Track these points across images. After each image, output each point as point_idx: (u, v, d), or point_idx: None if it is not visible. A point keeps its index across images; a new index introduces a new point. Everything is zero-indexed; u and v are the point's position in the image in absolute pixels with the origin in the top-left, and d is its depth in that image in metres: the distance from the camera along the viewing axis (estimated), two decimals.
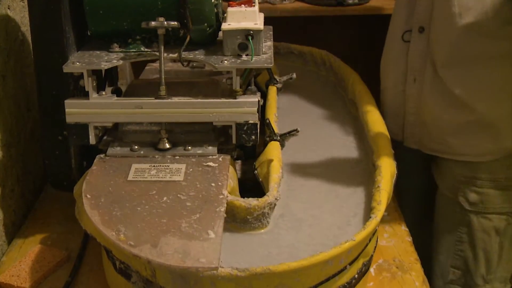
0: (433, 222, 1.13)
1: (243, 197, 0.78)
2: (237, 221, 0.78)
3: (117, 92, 0.97)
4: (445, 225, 1.09)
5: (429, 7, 1.00)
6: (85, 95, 0.86)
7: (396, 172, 0.87)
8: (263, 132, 0.93)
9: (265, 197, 0.78)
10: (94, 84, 0.86)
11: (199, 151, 0.87)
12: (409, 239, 0.95)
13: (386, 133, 0.96)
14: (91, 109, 0.85)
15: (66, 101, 0.85)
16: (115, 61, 0.86)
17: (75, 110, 0.85)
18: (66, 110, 0.85)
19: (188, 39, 0.88)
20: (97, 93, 0.87)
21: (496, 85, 0.98)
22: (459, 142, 1.02)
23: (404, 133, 1.10)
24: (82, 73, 0.84)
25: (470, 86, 0.98)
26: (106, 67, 0.85)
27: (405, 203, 1.08)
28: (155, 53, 0.88)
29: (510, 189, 1.03)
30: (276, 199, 0.78)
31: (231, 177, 0.82)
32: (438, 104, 1.02)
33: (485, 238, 1.05)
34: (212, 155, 0.86)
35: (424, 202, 1.18)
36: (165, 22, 0.83)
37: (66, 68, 0.83)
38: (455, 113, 1.00)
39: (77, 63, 0.84)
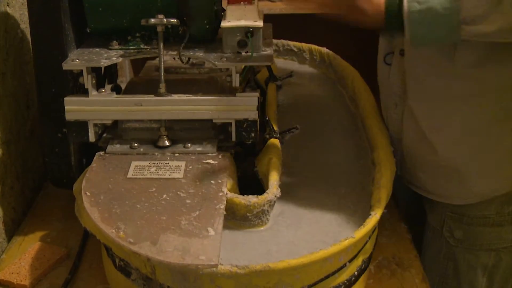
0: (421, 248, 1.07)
1: (243, 195, 0.78)
2: (236, 218, 0.78)
3: (117, 90, 0.97)
4: (431, 256, 1.03)
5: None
6: (85, 92, 0.86)
7: (395, 169, 0.87)
8: (262, 129, 0.93)
9: (265, 195, 0.78)
10: (94, 81, 0.86)
11: (199, 149, 0.87)
12: (409, 236, 0.95)
13: (386, 130, 0.96)
14: (91, 107, 0.85)
15: (66, 99, 0.85)
16: (115, 58, 0.86)
17: (74, 108, 0.85)
18: (66, 107, 0.85)
19: (187, 36, 0.88)
20: (97, 90, 0.87)
21: (457, 126, 0.91)
22: (430, 181, 0.97)
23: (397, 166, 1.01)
24: (81, 71, 0.84)
25: (434, 125, 0.92)
26: (105, 65, 0.85)
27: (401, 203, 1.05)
28: (155, 50, 0.88)
29: (503, 225, 0.96)
30: (275, 196, 0.78)
31: (230, 175, 0.82)
32: (411, 136, 0.96)
33: (471, 274, 1.00)
34: (212, 153, 0.86)
35: (414, 210, 1.14)
36: (165, 20, 0.83)
37: (66, 66, 0.83)
38: (424, 149, 0.95)
39: (77, 60, 0.84)
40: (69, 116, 0.85)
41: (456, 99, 0.90)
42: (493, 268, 0.99)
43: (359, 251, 0.76)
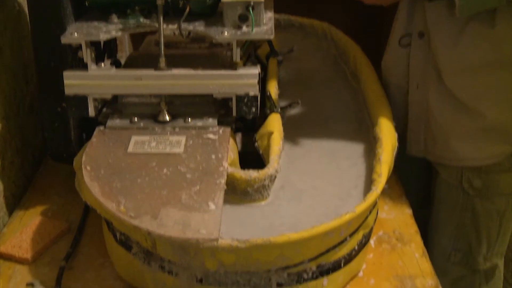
0: (431, 206, 1.13)
1: (244, 170, 0.78)
2: (237, 193, 0.78)
3: (116, 64, 0.97)
4: (446, 210, 1.08)
5: (428, 12, 0.97)
6: (84, 66, 0.85)
7: (397, 144, 0.87)
8: (263, 104, 0.92)
9: (266, 169, 0.77)
10: (93, 55, 0.85)
11: (199, 123, 0.86)
12: (409, 211, 0.95)
13: (387, 105, 0.95)
14: (90, 81, 0.85)
15: (65, 73, 0.84)
16: (114, 32, 0.85)
17: (73, 82, 0.85)
18: (65, 81, 0.84)
19: (187, 10, 0.86)
20: (96, 64, 0.86)
21: (504, 90, 0.96)
22: (468, 148, 1.00)
23: (407, 141, 1.07)
24: (80, 45, 0.83)
25: (477, 93, 0.96)
26: (104, 38, 0.84)
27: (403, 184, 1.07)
28: (154, 24, 0.87)
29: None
30: (276, 171, 0.78)
31: (231, 149, 0.82)
32: (445, 110, 0.99)
33: (488, 220, 1.06)
34: (212, 127, 0.86)
35: (420, 185, 1.17)
36: None
37: (64, 39, 0.82)
38: (462, 119, 0.98)
39: (75, 34, 0.83)
40: (68, 91, 0.85)
41: (496, 65, 0.93)
42: (503, 213, 1.05)
43: (359, 226, 0.76)
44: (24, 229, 0.89)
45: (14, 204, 0.98)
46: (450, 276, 1.09)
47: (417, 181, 1.17)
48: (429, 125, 1.03)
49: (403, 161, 0.96)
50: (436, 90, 0.99)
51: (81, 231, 0.90)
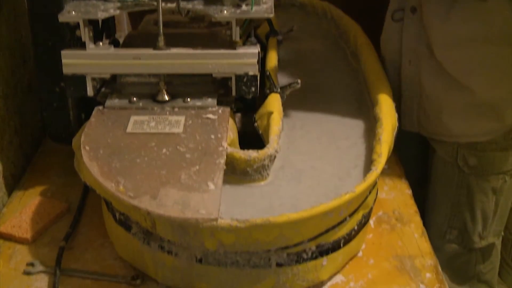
0: (428, 184, 1.13)
1: (243, 150, 0.78)
2: (237, 173, 0.78)
3: (115, 44, 0.96)
4: (442, 188, 1.09)
5: None
6: (82, 46, 0.84)
7: (397, 124, 0.86)
8: (263, 85, 0.92)
9: (265, 149, 0.77)
10: (91, 34, 0.84)
11: (199, 103, 0.86)
12: (409, 191, 0.95)
13: (388, 85, 0.95)
14: (88, 60, 0.84)
15: (63, 52, 0.83)
16: (112, 10, 0.84)
17: (72, 61, 0.84)
18: (63, 61, 0.83)
19: None
20: (94, 44, 0.85)
21: (494, 66, 0.96)
22: (460, 124, 1.01)
23: (401, 117, 1.06)
24: (78, 23, 0.82)
25: (468, 68, 0.96)
26: (102, 17, 0.83)
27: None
28: (153, 2, 0.86)
29: (508, 149, 1.03)
30: (276, 151, 0.78)
31: (230, 129, 0.82)
32: (436, 86, 1.00)
33: (483, 198, 1.06)
34: (212, 107, 0.85)
35: (418, 164, 1.17)
36: None
37: (62, 17, 0.81)
38: (454, 95, 0.98)
39: (73, 12, 0.82)
40: (66, 70, 0.84)
41: (487, 39, 0.93)
42: (499, 191, 1.06)
43: (359, 206, 0.76)
44: (23, 210, 0.89)
45: (14, 184, 0.98)
46: (446, 254, 1.10)
47: (414, 160, 1.17)
48: (421, 101, 1.03)
49: (401, 139, 0.96)
50: (427, 65, 0.99)
51: (80, 212, 0.90)
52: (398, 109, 1.04)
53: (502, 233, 1.15)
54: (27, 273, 0.79)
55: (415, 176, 1.06)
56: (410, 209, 0.91)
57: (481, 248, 1.11)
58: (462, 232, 1.09)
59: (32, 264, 0.79)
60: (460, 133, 1.02)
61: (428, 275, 0.78)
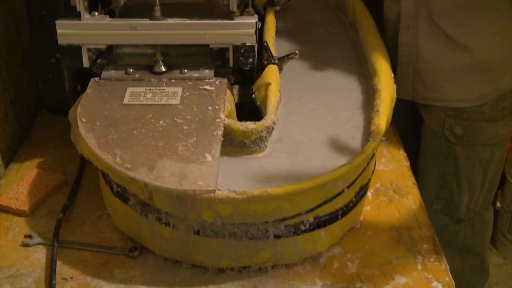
0: (418, 154, 1.13)
1: (241, 121, 0.77)
2: (234, 145, 0.77)
3: (111, 14, 0.94)
4: (430, 157, 1.10)
5: None
6: (77, 16, 0.83)
7: (396, 96, 0.86)
8: (261, 56, 0.91)
9: (263, 121, 0.77)
10: (86, 4, 0.83)
11: (196, 75, 0.85)
12: (407, 163, 0.95)
13: (386, 56, 0.94)
14: (84, 30, 0.83)
15: (57, 22, 0.82)
16: None
17: (67, 31, 0.83)
18: (58, 31, 0.82)
19: None
20: (89, 14, 0.84)
21: (495, 28, 0.96)
22: (455, 88, 1.01)
23: (396, 84, 1.07)
24: None
25: (469, 30, 0.96)
26: None
27: None
28: None
29: (497, 120, 1.03)
30: (274, 122, 0.78)
31: (228, 101, 0.81)
32: (434, 50, 0.99)
33: (469, 169, 1.07)
34: (209, 79, 0.84)
35: (412, 136, 1.17)
36: None
37: None
38: (452, 57, 0.98)
39: None
40: (61, 41, 0.83)
41: (490, 10, 0.94)
42: (487, 163, 1.07)
43: (357, 177, 0.76)
44: (20, 182, 0.89)
45: (10, 156, 0.98)
46: (433, 224, 1.10)
47: (408, 132, 1.17)
48: (417, 66, 1.03)
49: (395, 111, 0.96)
50: (426, 30, 0.99)
51: (77, 184, 0.90)
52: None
53: (499, 205, 1.16)
54: (25, 245, 0.79)
55: (409, 148, 1.07)
56: (408, 181, 0.91)
57: (469, 219, 1.12)
58: (449, 203, 1.10)
59: (30, 236, 0.79)
60: (454, 97, 1.02)
61: (425, 246, 0.79)
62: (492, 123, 1.03)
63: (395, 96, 0.86)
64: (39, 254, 0.77)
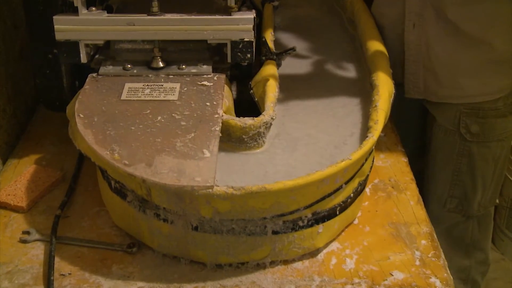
0: (427, 154, 1.13)
1: (239, 117, 0.77)
2: (232, 140, 0.77)
3: (108, 9, 0.94)
4: (443, 157, 1.09)
5: None
6: (75, 11, 0.83)
7: (394, 91, 0.85)
8: (259, 51, 0.90)
9: (261, 116, 0.77)
10: None
11: (194, 70, 0.85)
12: (405, 159, 0.95)
13: (385, 52, 0.94)
14: (81, 26, 0.83)
15: (55, 17, 0.82)
16: None
17: (64, 27, 0.82)
18: (55, 26, 0.82)
19: None
20: (87, 9, 0.84)
21: (511, 18, 0.94)
22: (474, 83, 0.99)
23: (404, 84, 1.06)
24: None
25: (484, 23, 0.94)
26: None
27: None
28: None
29: (506, 115, 1.03)
30: (272, 118, 0.77)
31: (226, 96, 0.81)
32: (448, 47, 0.98)
33: (484, 166, 1.06)
34: (207, 74, 0.84)
35: (416, 135, 1.17)
36: None
37: None
38: (469, 53, 0.97)
39: None
40: (59, 36, 0.83)
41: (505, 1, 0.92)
42: (498, 158, 1.07)
43: (355, 173, 0.76)
44: (18, 178, 0.89)
45: (8, 152, 0.98)
46: (445, 223, 1.11)
47: (413, 131, 1.16)
48: (429, 64, 1.01)
49: (399, 111, 0.95)
50: (435, 27, 0.98)
51: (75, 180, 0.90)
52: (402, 77, 1.03)
53: (497, 201, 1.16)
54: (23, 241, 0.79)
55: (414, 147, 1.06)
56: (406, 177, 0.91)
57: (478, 216, 1.12)
58: (462, 201, 1.10)
59: (28, 232, 0.79)
60: (474, 92, 1.00)
61: (423, 242, 0.79)
62: (504, 118, 1.03)
63: (393, 91, 0.86)
64: (37, 250, 0.77)
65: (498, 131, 1.04)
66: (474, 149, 1.05)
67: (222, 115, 0.76)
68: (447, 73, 1.00)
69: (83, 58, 0.85)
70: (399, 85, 0.96)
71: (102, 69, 0.85)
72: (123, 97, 0.80)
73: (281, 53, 0.89)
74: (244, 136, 0.76)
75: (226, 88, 0.83)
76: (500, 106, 1.01)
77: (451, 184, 1.09)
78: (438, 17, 0.97)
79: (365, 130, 0.78)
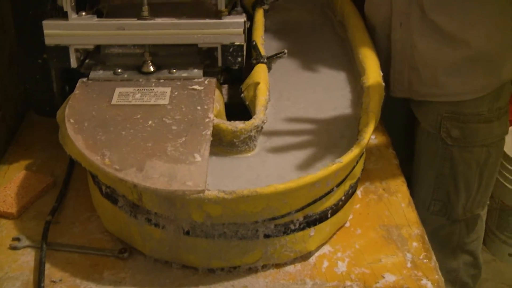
0: (412, 156, 1.13)
1: (230, 121, 0.77)
2: (223, 144, 0.77)
3: (98, 14, 0.94)
4: (426, 160, 1.09)
5: None
6: (64, 15, 0.82)
7: (384, 94, 0.86)
8: (249, 55, 0.90)
9: (252, 120, 0.77)
10: (73, 4, 0.82)
11: (184, 74, 0.85)
12: (396, 162, 0.95)
13: (375, 55, 0.94)
14: (71, 31, 0.82)
15: (44, 22, 0.81)
16: None
17: (54, 32, 0.82)
18: (45, 31, 0.82)
19: None
20: (77, 13, 0.83)
21: (490, 18, 0.95)
22: (455, 81, 0.99)
23: (390, 82, 1.05)
24: None
25: (464, 22, 0.95)
26: None
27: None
28: None
29: (493, 121, 1.02)
30: (263, 122, 0.77)
31: (217, 100, 0.81)
32: (430, 46, 0.98)
33: (466, 170, 1.06)
34: (198, 78, 0.84)
35: (402, 136, 1.17)
36: None
37: None
38: (449, 51, 0.97)
39: None
40: (48, 41, 0.82)
41: (484, 1, 0.93)
42: (484, 163, 1.06)
43: (346, 176, 0.76)
44: (8, 184, 0.88)
45: None
46: (430, 225, 1.09)
47: (402, 134, 1.16)
48: (413, 62, 1.01)
49: (388, 114, 0.95)
50: (420, 25, 0.98)
51: (66, 185, 0.89)
52: (388, 76, 1.04)
53: (488, 202, 1.16)
54: (13, 248, 0.78)
55: (404, 151, 1.06)
56: (397, 179, 0.91)
57: (465, 219, 1.11)
58: (446, 204, 1.09)
59: (18, 239, 0.79)
60: (454, 91, 1.00)
61: (414, 244, 0.79)
62: (488, 123, 1.02)
63: (384, 94, 0.86)
64: (28, 257, 0.77)
65: (481, 136, 1.03)
66: (455, 153, 1.04)
67: (213, 119, 0.76)
68: (429, 71, 1.00)
69: (73, 63, 0.84)
70: (388, 86, 0.97)
71: (93, 74, 0.85)
72: (114, 101, 0.80)
73: (271, 57, 0.89)
74: (235, 140, 0.76)
75: (217, 92, 0.83)
76: (483, 111, 1.01)
77: (434, 187, 1.08)
78: (422, 16, 0.97)
79: (355, 133, 0.79)
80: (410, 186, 1.08)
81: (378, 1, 1.05)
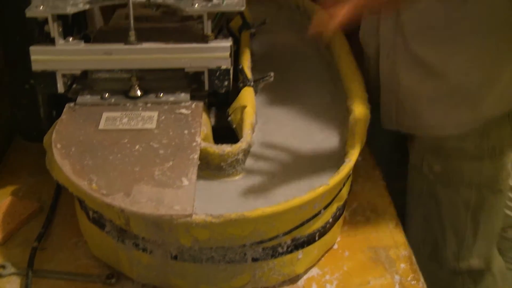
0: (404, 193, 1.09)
1: (217, 144, 0.77)
2: (211, 168, 0.77)
3: (86, 39, 0.94)
4: (414, 196, 1.04)
5: None
6: (51, 41, 0.83)
7: (370, 116, 0.86)
8: (236, 79, 0.91)
9: (239, 143, 0.77)
10: (60, 30, 0.83)
11: (172, 98, 0.85)
12: (383, 182, 0.96)
13: (360, 77, 0.95)
14: (58, 56, 0.83)
15: (31, 48, 0.82)
16: (81, 5, 0.83)
17: (41, 57, 0.82)
18: (32, 57, 0.82)
19: None
20: (64, 39, 0.84)
21: (469, 50, 0.92)
22: (437, 115, 0.96)
23: (380, 113, 1.03)
24: (47, 18, 0.81)
25: (443, 55, 0.93)
26: (71, 12, 0.82)
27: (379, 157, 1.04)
28: None
29: (482, 159, 0.97)
30: (249, 145, 0.78)
31: (204, 124, 0.81)
32: (412, 77, 0.96)
33: (453, 212, 1.00)
34: (185, 102, 0.84)
35: (393, 156, 1.16)
36: None
37: (29, 13, 0.80)
38: (429, 84, 0.95)
39: (41, 7, 0.80)
40: (35, 66, 0.82)
41: (464, 33, 0.91)
42: (476, 207, 0.99)
43: (333, 198, 0.76)
44: None
45: None
46: (424, 270, 1.04)
47: (389, 154, 1.16)
48: (399, 94, 0.99)
49: (376, 136, 0.95)
50: (403, 57, 0.96)
51: (53, 211, 0.89)
52: (378, 106, 1.03)
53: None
54: None
55: (389, 171, 1.04)
56: (385, 200, 0.92)
57: (469, 272, 1.02)
58: (435, 249, 1.03)
59: (3, 266, 0.78)
60: (436, 125, 0.97)
61: (402, 265, 0.79)
62: (476, 162, 0.97)
63: (369, 116, 0.87)
64: (13, 285, 0.76)
65: (467, 175, 0.97)
66: (440, 191, 0.99)
67: (200, 143, 0.76)
68: (411, 103, 0.98)
69: (60, 88, 0.84)
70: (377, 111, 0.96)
71: (80, 99, 0.85)
72: (101, 126, 0.80)
73: (258, 80, 0.90)
74: (222, 164, 0.76)
75: (204, 115, 0.83)
76: (468, 147, 0.96)
77: (423, 228, 1.03)
78: (406, 47, 0.95)
79: (342, 155, 0.79)
80: (404, 223, 1.04)
81: (368, 31, 1.05)
